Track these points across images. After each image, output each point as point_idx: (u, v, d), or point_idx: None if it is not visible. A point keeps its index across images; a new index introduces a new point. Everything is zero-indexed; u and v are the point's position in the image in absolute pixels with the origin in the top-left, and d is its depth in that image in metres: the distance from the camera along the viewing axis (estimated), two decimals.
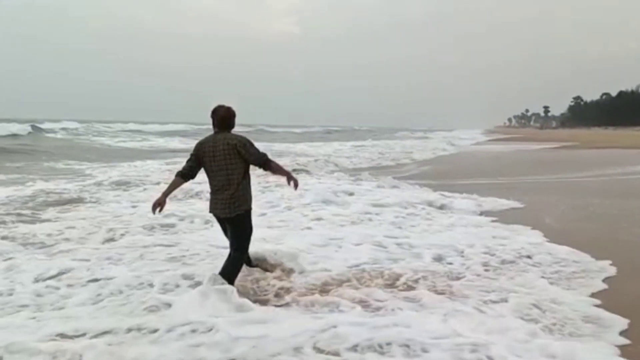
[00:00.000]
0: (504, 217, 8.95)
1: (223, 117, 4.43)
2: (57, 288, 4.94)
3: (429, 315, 4.40)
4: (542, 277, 5.49)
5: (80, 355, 3.52)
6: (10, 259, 5.90)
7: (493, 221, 8.58)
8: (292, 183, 4.55)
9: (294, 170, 16.00)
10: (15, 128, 36.21)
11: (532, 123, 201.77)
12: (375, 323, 4.18)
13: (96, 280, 5.17)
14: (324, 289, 5.10)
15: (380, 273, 5.60)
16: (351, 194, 11.05)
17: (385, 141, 44.93)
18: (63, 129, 44.09)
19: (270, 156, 4.62)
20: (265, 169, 4.50)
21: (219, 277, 4.56)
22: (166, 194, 4.43)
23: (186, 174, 4.46)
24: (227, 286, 4.48)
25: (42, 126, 43.38)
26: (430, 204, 9.87)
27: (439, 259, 6.20)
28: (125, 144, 34.68)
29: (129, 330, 3.97)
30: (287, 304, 4.68)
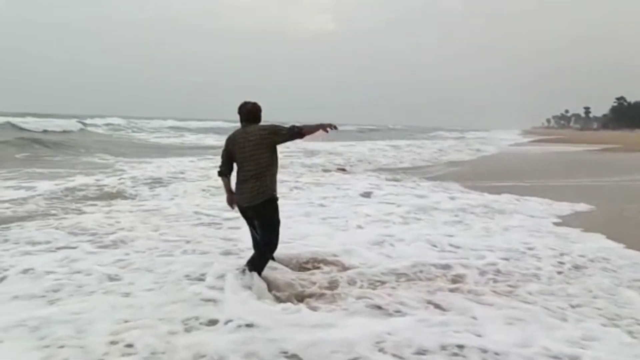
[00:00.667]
0: (572, 220, 8.47)
1: (250, 110, 4.64)
2: (115, 278, 4.99)
3: (501, 319, 4.16)
4: (619, 283, 5.14)
5: (134, 344, 3.56)
6: (65, 248, 6.05)
7: (557, 224, 8.13)
8: (328, 129, 4.53)
9: (328, 171, 16.08)
10: (62, 123, 37.26)
11: (571, 124, 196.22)
12: (444, 325, 3.97)
13: (149, 270, 5.22)
14: (382, 287, 4.91)
15: (442, 273, 5.39)
16: (396, 194, 10.83)
17: (422, 141, 44.05)
18: (106, 124, 44.97)
19: (297, 124, 4.67)
20: (301, 138, 4.57)
21: (252, 272, 4.61)
22: (227, 190, 4.76)
23: (226, 172, 4.70)
24: (260, 283, 4.55)
25: (88, 122, 44.31)
26: (485, 205, 9.48)
27: (505, 260, 5.89)
28: (161, 140, 35.18)
29: (184, 320, 3.97)
30: (345, 303, 4.49)
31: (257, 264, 4.63)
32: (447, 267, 5.54)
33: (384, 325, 3.98)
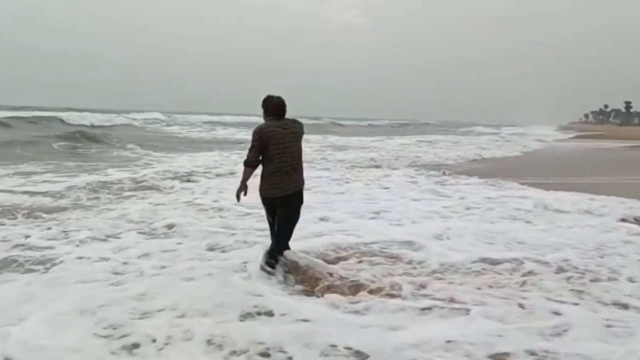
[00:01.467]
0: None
1: (278, 105, 4.68)
2: (163, 267, 5.08)
3: (598, 323, 3.85)
4: None
5: (191, 331, 3.60)
6: (113, 237, 6.22)
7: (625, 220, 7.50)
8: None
9: (363, 167, 15.73)
10: (102, 118, 38.59)
11: (611, 119, 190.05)
12: (524, 327, 3.73)
13: (200, 260, 5.31)
14: (457, 282, 4.76)
15: (513, 269, 5.17)
16: (446, 191, 10.42)
17: (457, 137, 42.96)
18: (144, 119, 45.45)
19: None
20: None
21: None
22: (244, 182, 4.65)
23: (255, 163, 4.65)
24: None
25: (129, 116, 45.10)
26: (541, 203, 8.87)
27: (582, 258, 5.54)
28: (191, 134, 35.40)
29: (234, 310, 3.98)
30: (408, 299, 4.34)
31: (275, 254, 4.72)
32: (516, 261, 5.35)
33: (454, 325, 3.78)
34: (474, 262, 5.34)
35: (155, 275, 4.82)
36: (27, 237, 6.10)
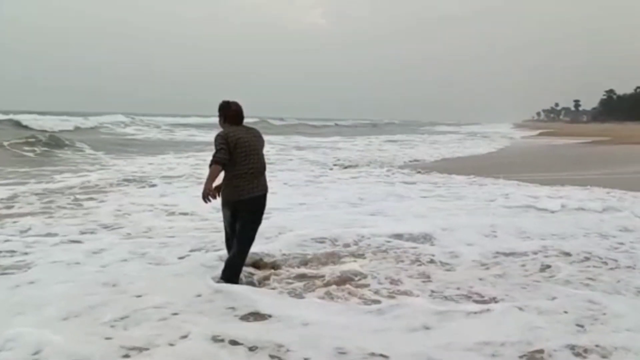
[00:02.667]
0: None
1: (238, 112, 4.67)
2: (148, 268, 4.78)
3: None
4: None
5: (190, 331, 3.32)
6: (75, 242, 5.86)
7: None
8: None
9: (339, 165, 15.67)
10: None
11: (561, 117, 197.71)
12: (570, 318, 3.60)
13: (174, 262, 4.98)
14: (476, 277, 4.60)
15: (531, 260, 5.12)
16: (431, 189, 10.31)
17: (432, 136, 42.96)
18: (105, 123, 42.87)
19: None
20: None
21: None
22: (210, 182, 4.49)
23: (224, 161, 4.52)
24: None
25: (92, 118, 42.77)
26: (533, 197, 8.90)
27: (608, 250, 5.52)
28: (151, 136, 34.20)
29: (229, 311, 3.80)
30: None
31: (238, 263, 4.58)
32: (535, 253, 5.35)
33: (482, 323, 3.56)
34: (489, 255, 5.31)
35: (137, 276, 4.63)
36: None
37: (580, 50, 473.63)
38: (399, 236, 5.93)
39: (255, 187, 4.56)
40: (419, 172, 13.58)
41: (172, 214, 7.53)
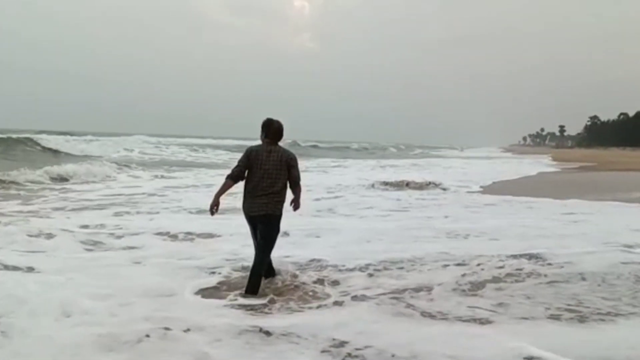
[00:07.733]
0: None
1: (278, 130, 4.98)
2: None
3: None
4: None
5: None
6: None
7: None
8: (294, 205, 5.14)
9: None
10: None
11: (547, 142, 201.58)
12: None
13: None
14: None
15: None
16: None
17: (447, 160, 42.32)
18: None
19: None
20: (292, 188, 5.06)
21: None
22: (219, 195, 4.86)
23: (237, 177, 4.91)
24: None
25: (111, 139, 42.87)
26: None
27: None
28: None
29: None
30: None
31: (255, 272, 4.89)
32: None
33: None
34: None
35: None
36: None
37: (565, 77, 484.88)
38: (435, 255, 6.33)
39: (251, 208, 4.91)
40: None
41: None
